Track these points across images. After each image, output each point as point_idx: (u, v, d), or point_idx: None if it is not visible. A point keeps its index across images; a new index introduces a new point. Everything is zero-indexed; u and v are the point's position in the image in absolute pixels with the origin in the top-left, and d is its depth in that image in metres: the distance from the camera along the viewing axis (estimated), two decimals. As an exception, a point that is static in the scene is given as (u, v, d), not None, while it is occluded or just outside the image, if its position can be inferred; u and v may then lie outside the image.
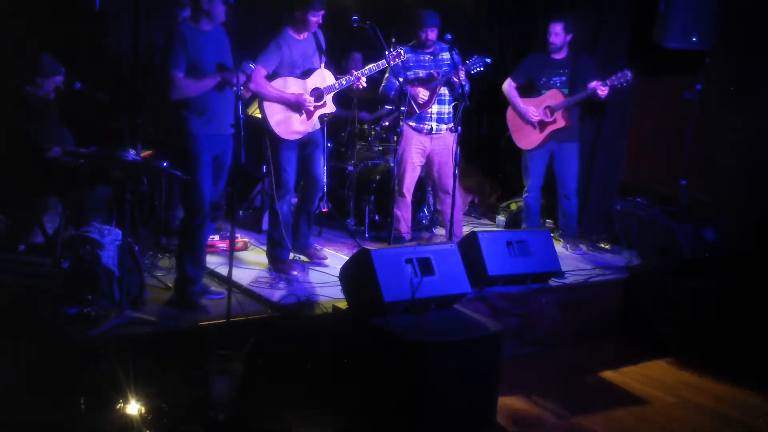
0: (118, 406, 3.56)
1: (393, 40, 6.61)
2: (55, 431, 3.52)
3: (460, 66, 5.40)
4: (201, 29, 4.30)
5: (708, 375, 4.95)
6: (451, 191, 5.44)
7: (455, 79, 5.38)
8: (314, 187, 5.26)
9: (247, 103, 6.05)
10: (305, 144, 5.17)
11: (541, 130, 6.09)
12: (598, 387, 4.77)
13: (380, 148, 6.72)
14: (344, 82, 5.16)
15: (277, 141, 5.04)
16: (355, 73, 5.18)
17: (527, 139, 6.17)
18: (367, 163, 6.53)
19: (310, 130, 5.15)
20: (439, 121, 5.63)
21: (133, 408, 3.55)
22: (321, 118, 5.21)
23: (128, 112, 5.27)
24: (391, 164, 6.25)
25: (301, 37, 5.07)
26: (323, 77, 5.15)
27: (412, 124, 5.65)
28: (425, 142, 5.67)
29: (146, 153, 5.29)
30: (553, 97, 6.05)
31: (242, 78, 4.36)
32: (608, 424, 4.21)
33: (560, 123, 6.02)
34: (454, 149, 5.37)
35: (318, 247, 5.55)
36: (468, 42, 6.64)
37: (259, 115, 6.03)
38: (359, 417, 4.06)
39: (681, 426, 4.24)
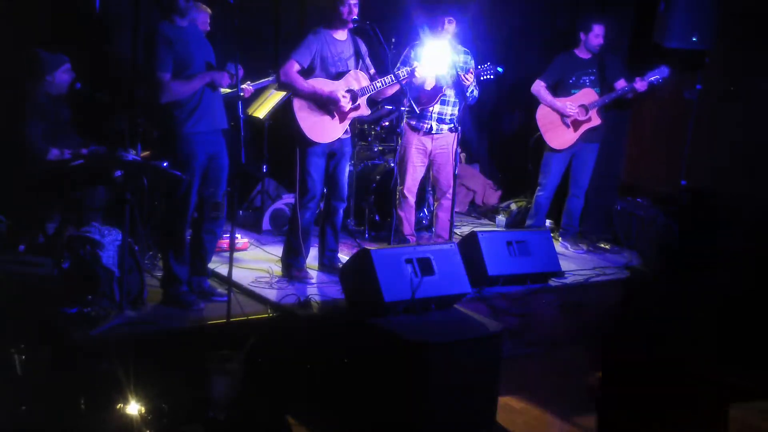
0: (118, 406, 3.56)
1: (393, 40, 6.60)
2: (55, 431, 3.52)
3: (472, 69, 5.37)
4: (178, 26, 4.25)
5: (708, 375, 4.95)
6: (450, 191, 5.43)
7: (465, 82, 5.31)
8: (339, 197, 5.07)
9: (248, 103, 6.05)
10: (334, 151, 4.97)
11: (575, 129, 6.06)
12: (598, 387, 4.76)
13: (380, 148, 6.72)
14: (379, 85, 4.91)
15: (305, 144, 4.83)
16: (393, 76, 4.92)
17: (561, 138, 6.11)
18: (367, 163, 6.52)
19: (342, 136, 4.93)
20: (440, 121, 5.58)
21: (133, 408, 3.55)
22: (353, 120, 5.01)
23: (128, 112, 5.26)
24: (391, 164, 6.24)
25: (339, 36, 4.89)
26: (357, 79, 4.89)
27: (413, 122, 5.61)
28: (426, 141, 5.62)
29: (146, 153, 5.29)
30: (586, 95, 6.03)
31: (227, 78, 4.35)
32: (608, 424, 4.21)
33: (596, 121, 6.01)
34: (454, 149, 5.36)
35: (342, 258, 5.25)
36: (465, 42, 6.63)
37: (259, 115, 6.06)
38: (359, 417, 4.06)
39: (681, 426, 4.24)
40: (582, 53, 6.10)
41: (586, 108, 6.02)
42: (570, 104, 6.04)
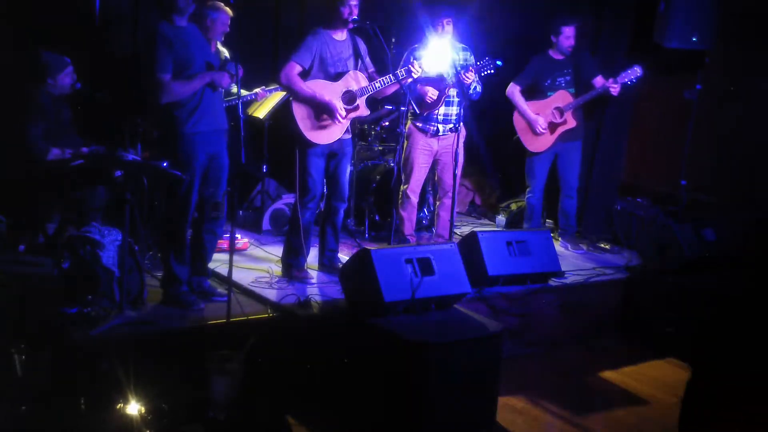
0: (118, 406, 3.56)
1: (393, 40, 6.60)
2: (55, 431, 3.52)
3: (472, 66, 5.36)
4: (177, 26, 4.25)
5: (708, 375, 4.94)
6: (451, 191, 5.43)
7: (466, 80, 5.30)
8: (339, 197, 5.07)
9: (248, 103, 6.05)
10: (334, 152, 4.97)
11: (552, 131, 6.03)
12: (598, 387, 4.77)
13: (380, 148, 6.72)
14: (378, 85, 4.90)
15: (305, 145, 4.84)
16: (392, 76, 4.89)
17: (538, 141, 6.09)
18: (367, 163, 6.52)
19: (342, 136, 4.93)
20: (446, 122, 5.56)
21: (133, 408, 3.56)
22: (353, 120, 5.00)
23: (128, 112, 5.27)
24: (391, 164, 6.24)
25: (338, 36, 4.88)
26: (356, 79, 4.89)
27: (419, 125, 5.60)
28: (432, 143, 5.61)
29: (146, 153, 5.29)
30: (561, 98, 6.00)
31: (227, 78, 4.35)
32: (608, 424, 4.22)
33: (571, 123, 5.99)
34: (454, 149, 5.35)
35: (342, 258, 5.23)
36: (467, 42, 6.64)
37: (260, 115, 6.06)
38: (359, 417, 4.06)
39: (681, 426, 4.24)
40: (556, 54, 6.07)
41: (561, 110, 5.99)
42: (542, 120, 6.01)
